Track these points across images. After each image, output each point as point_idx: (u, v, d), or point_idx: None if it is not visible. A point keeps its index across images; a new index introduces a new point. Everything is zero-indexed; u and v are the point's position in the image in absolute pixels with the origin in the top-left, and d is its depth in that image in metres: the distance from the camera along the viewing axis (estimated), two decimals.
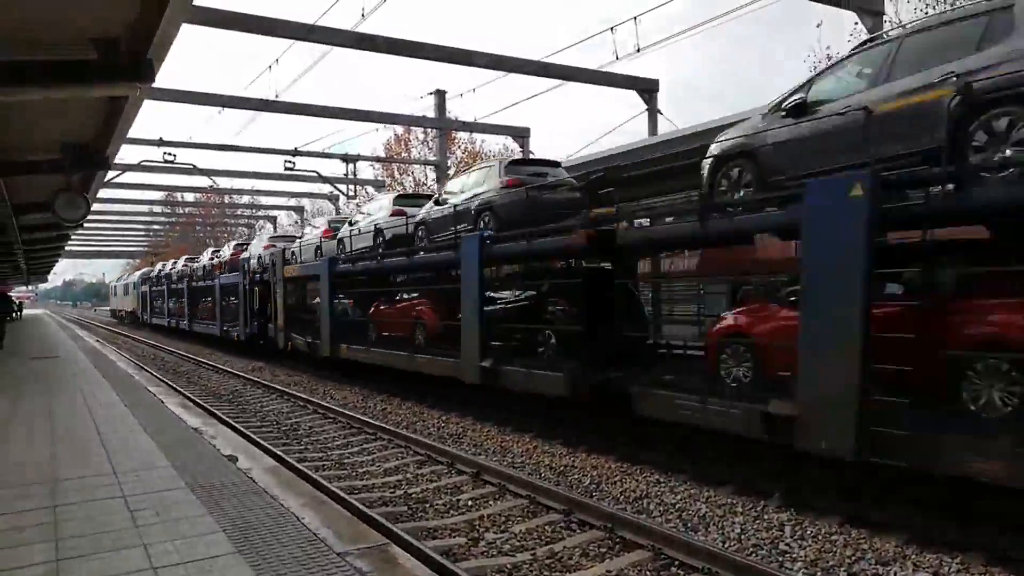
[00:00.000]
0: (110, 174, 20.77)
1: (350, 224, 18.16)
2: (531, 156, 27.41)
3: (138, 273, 55.55)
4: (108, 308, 70.26)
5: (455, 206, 13.39)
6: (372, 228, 16.65)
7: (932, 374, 6.10)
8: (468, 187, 13.56)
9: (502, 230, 11.62)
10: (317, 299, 19.45)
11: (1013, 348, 5.70)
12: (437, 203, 14.46)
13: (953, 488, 6.22)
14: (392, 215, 16.15)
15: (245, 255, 25.97)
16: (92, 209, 20.89)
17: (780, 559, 5.89)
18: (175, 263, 39.92)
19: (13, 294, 42.51)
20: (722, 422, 7.53)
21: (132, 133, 13.50)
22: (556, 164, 13.72)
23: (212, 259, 31.49)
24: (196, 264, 34.47)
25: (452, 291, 12.70)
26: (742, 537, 6.37)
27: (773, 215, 7.50)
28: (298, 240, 22.88)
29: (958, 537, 5.92)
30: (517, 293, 12.51)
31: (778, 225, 7.53)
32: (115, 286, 66.37)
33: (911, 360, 5.95)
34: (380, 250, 16.05)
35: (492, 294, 12.38)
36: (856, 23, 17.34)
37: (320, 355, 17.95)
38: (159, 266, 45.04)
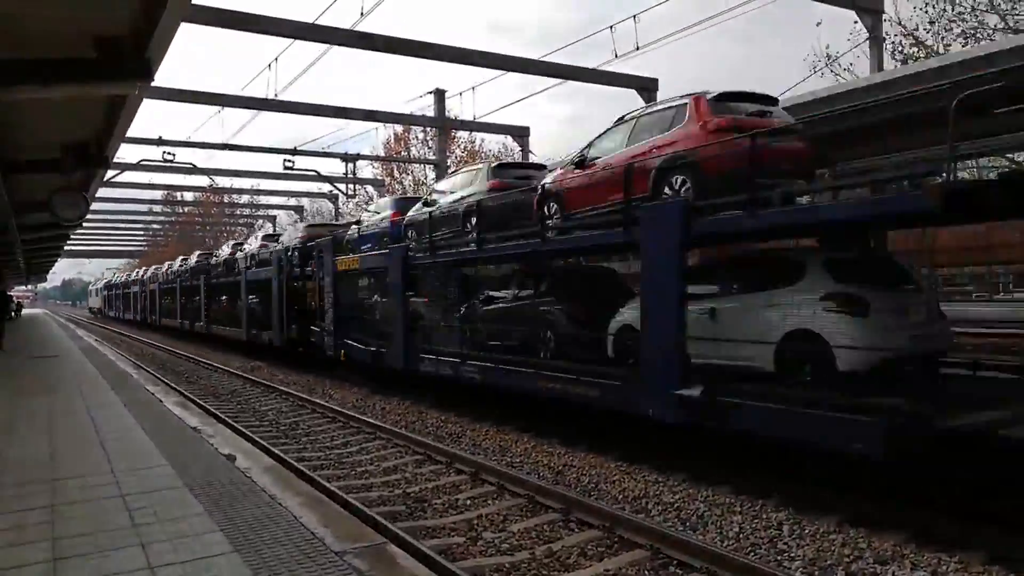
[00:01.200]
0: (109, 173, 20.80)
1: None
2: (530, 154, 27.48)
3: (102, 282, 75.62)
4: (87, 306, 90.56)
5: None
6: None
7: None
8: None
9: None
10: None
11: None
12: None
13: (954, 488, 6.23)
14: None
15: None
16: (91, 208, 20.97)
17: (778, 558, 5.89)
18: (157, 267, 42.14)
19: (12, 293, 42.41)
20: None
21: (131, 132, 13.54)
22: (774, 100, 9.19)
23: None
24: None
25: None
26: (740, 536, 6.37)
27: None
28: (355, 226, 18.93)
29: (957, 537, 5.92)
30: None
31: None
32: (91, 289, 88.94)
33: None
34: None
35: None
36: (856, 22, 17.36)
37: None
38: (128, 273, 53.11)
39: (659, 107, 9.73)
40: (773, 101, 9.00)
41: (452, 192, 13.74)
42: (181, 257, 39.84)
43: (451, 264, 13.90)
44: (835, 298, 7.30)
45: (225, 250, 30.19)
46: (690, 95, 8.86)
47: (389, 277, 15.09)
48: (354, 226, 18.98)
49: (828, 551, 5.91)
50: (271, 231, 37.75)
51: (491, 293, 13.59)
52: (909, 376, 7.44)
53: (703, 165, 8.09)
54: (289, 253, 21.15)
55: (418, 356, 13.60)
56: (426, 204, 14.35)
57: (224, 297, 29.18)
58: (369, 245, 17.03)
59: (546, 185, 10.80)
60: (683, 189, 8.32)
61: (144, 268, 51.31)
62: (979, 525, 6.05)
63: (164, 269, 41.01)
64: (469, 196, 12.83)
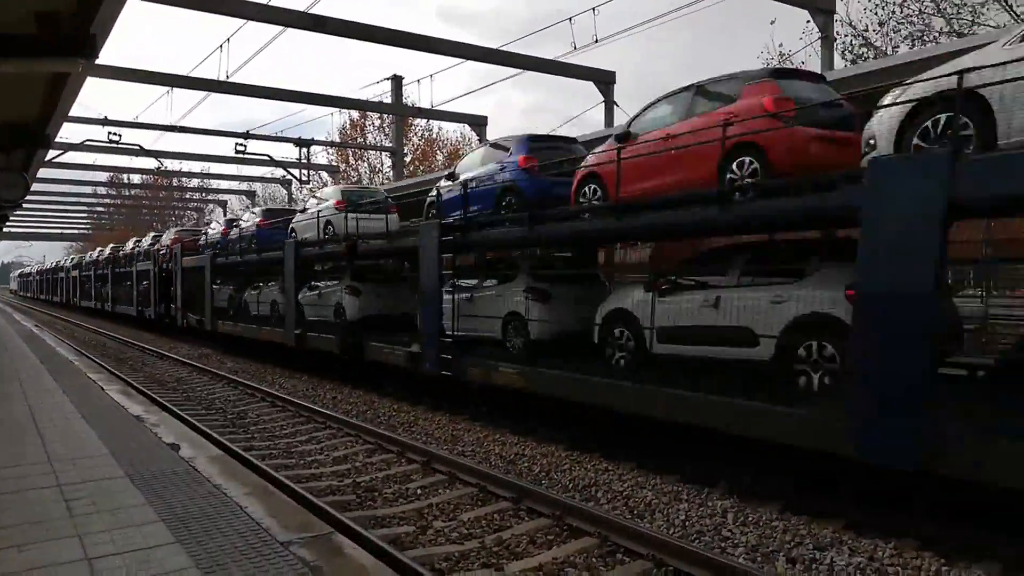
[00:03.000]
0: (52, 153, 20.10)
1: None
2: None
3: (26, 269, 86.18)
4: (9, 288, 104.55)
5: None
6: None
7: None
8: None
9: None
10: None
11: None
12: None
13: (888, 480, 6.43)
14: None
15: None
16: (33, 189, 20.26)
17: (723, 545, 6.01)
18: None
19: None
20: None
21: (75, 112, 13.11)
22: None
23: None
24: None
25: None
26: (686, 524, 6.49)
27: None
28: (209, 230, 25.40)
29: (891, 525, 6.13)
30: None
31: None
32: (12, 276, 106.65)
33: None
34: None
35: None
36: (808, 21, 17.68)
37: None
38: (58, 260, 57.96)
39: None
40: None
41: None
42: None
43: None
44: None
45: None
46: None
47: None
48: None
49: (770, 538, 6.07)
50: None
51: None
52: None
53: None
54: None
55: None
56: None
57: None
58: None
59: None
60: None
61: (69, 257, 56.25)
62: (911, 514, 6.28)
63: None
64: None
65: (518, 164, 11.17)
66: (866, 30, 21.29)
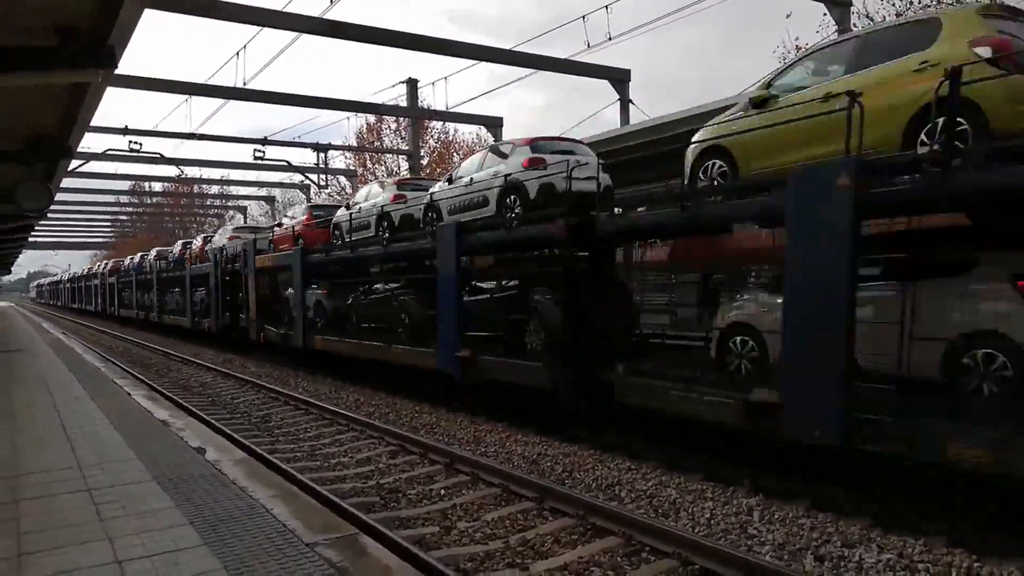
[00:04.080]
0: (74, 163, 20.37)
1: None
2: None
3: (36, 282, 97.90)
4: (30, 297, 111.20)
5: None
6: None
7: None
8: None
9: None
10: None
11: None
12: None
13: (916, 476, 6.36)
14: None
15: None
16: (56, 199, 20.53)
17: (749, 543, 5.96)
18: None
19: None
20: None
21: (96, 121, 13.27)
22: None
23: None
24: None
25: None
26: (712, 522, 6.45)
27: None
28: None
29: (920, 521, 6.05)
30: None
31: None
32: (32, 286, 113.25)
33: None
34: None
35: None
36: (825, 14, 17.53)
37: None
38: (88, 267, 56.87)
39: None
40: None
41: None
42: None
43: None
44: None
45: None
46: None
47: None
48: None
49: (797, 535, 6.01)
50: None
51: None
52: None
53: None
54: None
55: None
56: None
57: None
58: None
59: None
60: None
61: (104, 262, 52.48)
62: (941, 511, 6.19)
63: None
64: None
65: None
66: (883, 21, 21.04)
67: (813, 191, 6.49)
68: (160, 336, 30.33)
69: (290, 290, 18.37)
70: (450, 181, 13.07)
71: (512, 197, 11.12)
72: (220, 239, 25.63)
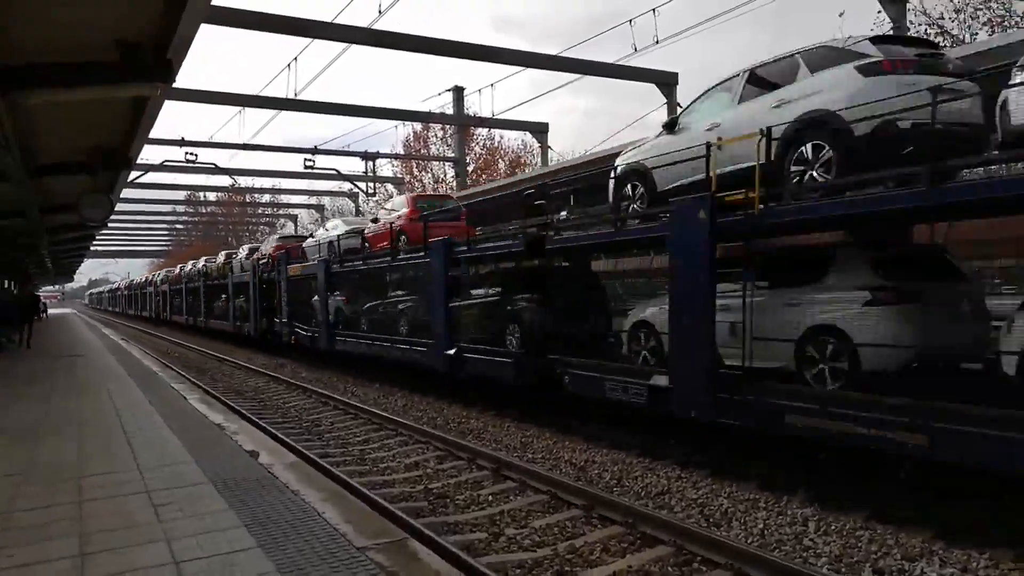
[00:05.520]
0: (133, 174, 21.06)
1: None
2: (549, 149, 27.28)
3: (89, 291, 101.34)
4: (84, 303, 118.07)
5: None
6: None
7: None
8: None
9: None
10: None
11: None
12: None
13: (978, 482, 6.11)
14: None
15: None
16: (116, 209, 21.26)
17: (804, 555, 5.81)
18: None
19: (38, 293, 43.43)
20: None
21: (154, 133, 13.69)
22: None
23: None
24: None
25: None
26: (765, 532, 6.31)
27: None
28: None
29: (987, 533, 5.81)
30: None
31: None
32: (87, 293, 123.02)
33: None
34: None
35: None
36: (879, 12, 17.10)
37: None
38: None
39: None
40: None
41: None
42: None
43: None
44: None
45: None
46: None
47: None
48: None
49: (855, 548, 5.83)
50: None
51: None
52: None
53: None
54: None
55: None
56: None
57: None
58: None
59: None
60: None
61: (157, 272, 55.62)
62: (1012, 522, 5.94)
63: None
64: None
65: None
66: (941, 17, 20.45)
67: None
68: (208, 340, 31.50)
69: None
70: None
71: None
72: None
